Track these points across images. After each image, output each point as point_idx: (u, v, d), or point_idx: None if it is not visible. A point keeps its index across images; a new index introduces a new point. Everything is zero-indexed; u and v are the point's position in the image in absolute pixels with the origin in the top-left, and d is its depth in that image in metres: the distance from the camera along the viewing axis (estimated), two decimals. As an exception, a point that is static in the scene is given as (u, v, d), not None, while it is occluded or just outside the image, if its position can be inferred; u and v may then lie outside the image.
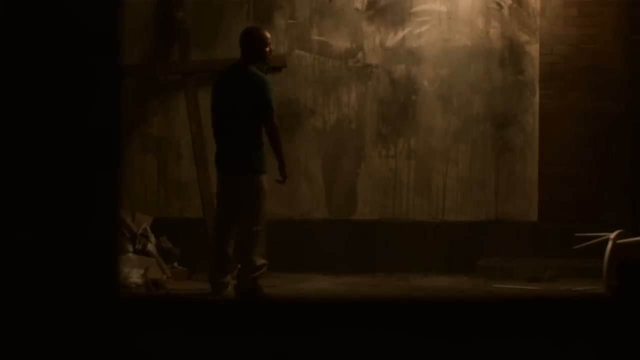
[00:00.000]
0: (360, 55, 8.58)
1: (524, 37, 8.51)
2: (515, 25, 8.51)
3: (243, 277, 6.80)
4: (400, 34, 8.56)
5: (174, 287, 7.59)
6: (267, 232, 6.93)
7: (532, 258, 8.21)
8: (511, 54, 8.52)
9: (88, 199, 2.63)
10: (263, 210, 6.84)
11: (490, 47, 8.52)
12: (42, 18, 2.63)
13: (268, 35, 7.02)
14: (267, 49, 6.94)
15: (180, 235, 8.21)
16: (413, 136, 8.56)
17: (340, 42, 8.57)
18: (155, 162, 8.61)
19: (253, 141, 6.81)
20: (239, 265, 6.92)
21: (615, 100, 8.41)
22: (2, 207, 2.62)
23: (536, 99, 8.52)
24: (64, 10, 2.63)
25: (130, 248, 7.91)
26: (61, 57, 2.63)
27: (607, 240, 6.68)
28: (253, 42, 6.90)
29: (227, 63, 8.57)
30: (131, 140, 8.49)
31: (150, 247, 8.00)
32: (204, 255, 8.02)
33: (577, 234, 7.21)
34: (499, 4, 8.51)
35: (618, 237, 6.67)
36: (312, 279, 7.88)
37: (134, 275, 7.52)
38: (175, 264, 8.12)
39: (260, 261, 6.78)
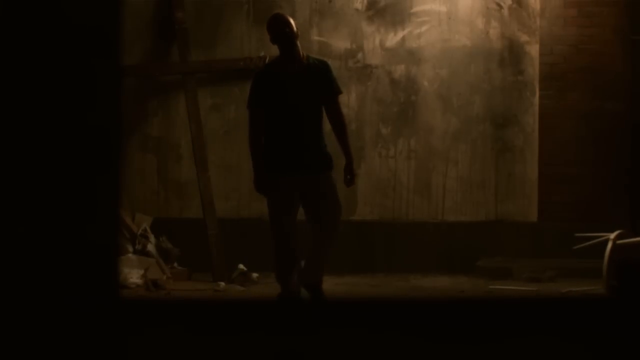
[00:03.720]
0: (360, 55, 8.57)
1: (523, 38, 8.51)
2: (515, 25, 8.50)
3: (317, 276, 6.62)
4: (400, 34, 8.56)
5: (174, 287, 7.59)
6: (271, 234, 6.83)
7: (532, 258, 8.20)
8: (511, 54, 8.52)
9: (88, 200, 2.63)
10: (270, 211, 6.74)
11: (490, 48, 8.52)
12: (41, 18, 2.63)
13: (277, 19, 6.51)
14: (273, 34, 6.50)
15: (180, 235, 8.21)
16: (413, 136, 8.56)
17: (340, 43, 8.57)
18: (155, 162, 8.60)
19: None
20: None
21: (615, 100, 8.41)
22: (1, 207, 2.62)
23: (536, 99, 8.52)
24: (63, 10, 2.63)
25: (130, 248, 7.91)
26: (61, 58, 2.63)
27: (607, 241, 6.68)
28: None
29: (227, 63, 8.61)
30: (131, 140, 8.49)
31: (150, 247, 8.00)
32: (203, 255, 8.03)
33: (577, 234, 7.21)
34: (498, 4, 8.51)
35: (618, 237, 6.66)
36: (312, 279, 7.87)
37: (133, 275, 7.52)
38: (175, 264, 8.12)
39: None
